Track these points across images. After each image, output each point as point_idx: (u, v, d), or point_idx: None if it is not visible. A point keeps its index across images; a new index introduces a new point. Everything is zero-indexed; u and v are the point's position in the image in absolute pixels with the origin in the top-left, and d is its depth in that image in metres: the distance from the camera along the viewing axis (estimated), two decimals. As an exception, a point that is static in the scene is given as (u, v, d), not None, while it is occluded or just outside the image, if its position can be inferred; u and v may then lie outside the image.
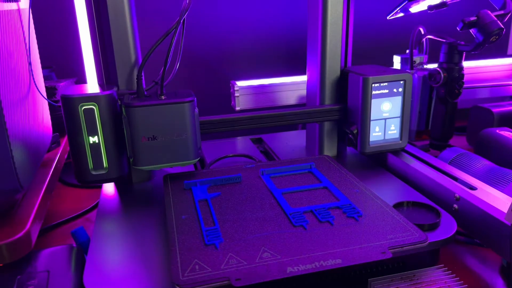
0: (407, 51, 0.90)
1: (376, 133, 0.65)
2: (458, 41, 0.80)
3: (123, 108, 0.55)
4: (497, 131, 0.79)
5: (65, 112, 0.54)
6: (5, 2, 0.52)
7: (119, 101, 0.58)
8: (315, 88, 0.71)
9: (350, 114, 0.68)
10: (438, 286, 0.43)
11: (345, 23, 0.67)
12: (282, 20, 1.04)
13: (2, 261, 0.44)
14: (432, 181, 0.58)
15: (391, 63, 0.95)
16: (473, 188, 0.54)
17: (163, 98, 0.56)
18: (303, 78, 0.98)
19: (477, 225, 0.50)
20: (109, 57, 0.62)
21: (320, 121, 0.71)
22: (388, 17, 0.87)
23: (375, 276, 0.44)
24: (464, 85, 0.83)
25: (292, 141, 0.85)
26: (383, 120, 0.65)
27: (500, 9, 0.74)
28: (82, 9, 0.80)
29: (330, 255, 0.40)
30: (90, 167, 0.57)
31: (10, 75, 0.49)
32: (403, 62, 0.91)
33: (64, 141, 0.75)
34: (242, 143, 0.84)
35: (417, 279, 0.44)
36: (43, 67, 0.74)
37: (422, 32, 0.87)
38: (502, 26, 0.71)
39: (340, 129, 0.72)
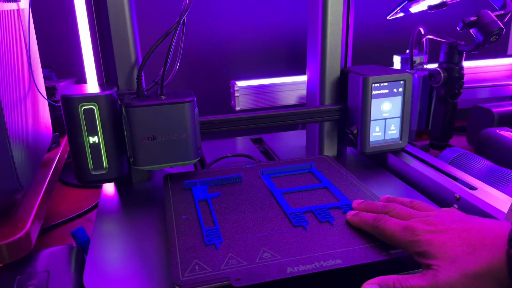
0: (407, 51, 0.90)
1: (376, 133, 0.65)
2: (458, 41, 0.80)
3: (123, 108, 0.55)
4: (497, 131, 0.79)
5: (65, 112, 0.54)
6: (5, 2, 0.52)
7: (119, 101, 0.58)
8: (315, 88, 0.71)
9: (350, 114, 0.68)
10: (438, 286, 0.43)
11: (345, 23, 0.67)
12: (282, 20, 1.04)
13: (2, 261, 0.44)
14: (432, 181, 0.58)
15: (391, 63, 0.95)
16: (473, 188, 0.54)
17: (163, 98, 0.56)
18: (303, 78, 0.98)
19: (477, 225, 0.50)
20: (109, 57, 0.62)
21: (320, 121, 0.71)
22: (388, 17, 0.87)
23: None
24: (464, 85, 0.83)
25: (292, 141, 0.85)
26: (383, 120, 0.65)
27: (500, 9, 0.74)
28: (82, 9, 0.80)
29: (330, 255, 0.40)
30: (90, 167, 0.57)
31: (10, 75, 0.49)
32: (403, 62, 0.91)
33: (64, 141, 0.75)
34: (242, 143, 0.84)
35: (417, 279, 0.44)
36: (43, 67, 0.74)
37: (422, 32, 0.87)
38: (502, 26, 0.71)
39: (340, 129, 0.72)
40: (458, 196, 0.53)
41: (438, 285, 0.34)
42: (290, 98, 0.99)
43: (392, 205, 0.44)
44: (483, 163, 0.67)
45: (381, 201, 0.48)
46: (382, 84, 0.63)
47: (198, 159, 0.59)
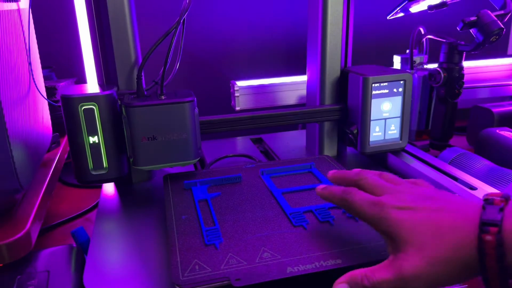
0: (407, 51, 0.90)
1: (376, 133, 0.65)
2: (458, 41, 0.80)
3: (123, 108, 0.55)
4: (497, 131, 0.79)
5: (65, 112, 0.54)
6: (5, 2, 0.52)
7: (119, 101, 0.58)
8: (315, 88, 0.71)
9: (350, 114, 0.68)
10: (438, 286, 0.43)
11: (345, 23, 0.67)
12: (282, 20, 1.04)
13: (2, 261, 0.44)
14: (432, 181, 0.58)
15: (391, 63, 0.94)
16: (473, 188, 0.54)
17: (163, 98, 0.56)
18: (303, 78, 0.98)
19: (477, 225, 0.50)
20: (109, 57, 0.62)
21: (320, 121, 0.71)
22: (388, 17, 0.87)
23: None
24: (464, 85, 0.83)
25: (292, 141, 0.85)
26: (383, 120, 0.65)
27: (500, 9, 0.74)
28: (82, 9, 0.80)
29: (330, 255, 0.40)
30: (90, 167, 0.57)
31: (10, 75, 0.49)
32: (403, 62, 0.91)
33: (64, 141, 0.75)
34: (242, 143, 0.84)
35: (417, 279, 0.44)
36: (43, 67, 0.74)
37: (422, 32, 0.87)
38: (502, 26, 0.71)
39: (340, 129, 0.72)
40: (458, 196, 0.53)
41: (404, 277, 0.33)
42: (290, 98, 0.99)
43: (365, 173, 0.41)
44: (483, 163, 0.67)
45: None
46: (382, 84, 0.63)
47: (198, 159, 0.59)
